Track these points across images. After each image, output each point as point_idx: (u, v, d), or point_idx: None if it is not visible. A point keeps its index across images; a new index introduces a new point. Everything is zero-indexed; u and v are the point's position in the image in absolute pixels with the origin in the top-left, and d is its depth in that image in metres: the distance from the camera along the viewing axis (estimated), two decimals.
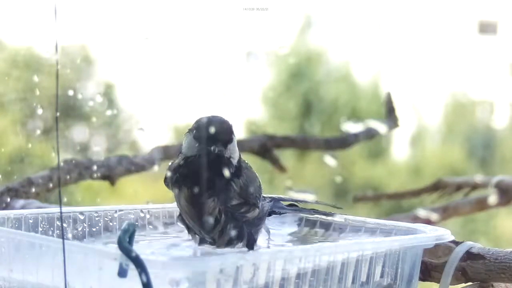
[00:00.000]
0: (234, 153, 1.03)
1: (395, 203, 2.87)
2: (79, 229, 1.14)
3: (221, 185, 1.01)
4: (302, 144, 2.24)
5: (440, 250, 1.10)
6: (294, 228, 1.20)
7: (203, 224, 1.01)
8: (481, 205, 2.10)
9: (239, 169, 1.03)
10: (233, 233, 1.01)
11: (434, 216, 2.00)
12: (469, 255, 1.10)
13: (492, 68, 8.33)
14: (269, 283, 0.92)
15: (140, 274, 0.84)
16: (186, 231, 1.05)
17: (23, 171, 1.49)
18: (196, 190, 1.00)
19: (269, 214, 1.11)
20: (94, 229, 1.15)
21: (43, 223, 1.11)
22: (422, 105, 7.98)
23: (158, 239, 1.14)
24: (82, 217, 1.14)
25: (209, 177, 1.00)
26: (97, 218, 1.16)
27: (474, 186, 2.13)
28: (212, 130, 1.00)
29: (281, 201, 1.15)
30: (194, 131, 1.03)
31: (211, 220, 1.00)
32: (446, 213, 2.06)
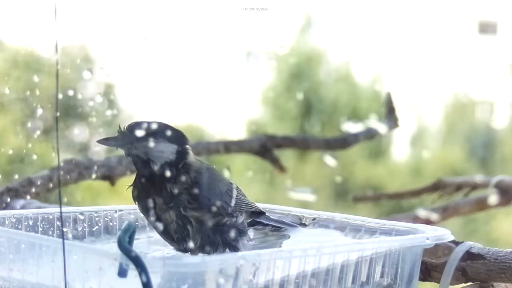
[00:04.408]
0: (157, 156, 1.03)
1: (395, 203, 2.87)
2: (79, 229, 1.14)
3: (165, 189, 1.02)
4: (302, 144, 2.24)
5: (440, 250, 1.10)
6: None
7: (169, 234, 1.02)
8: (481, 205, 2.10)
9: (178, 172, 1.03)
10: (200, 242, 1.02)
11: (434, 216, 2.00)
12: (469, 255, 1.10)
13: (492, 68, 8.33)
14: (269, 283, 0.92)
15: (140, 274, 0.84)
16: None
17: (23, 171, 1.49)
18: (150, 202, 1.03)
19: (253, 225, 1.12)
20: (94, 229, 1.15)
21: (43, 223, 1.11)
22: (422, 105, 7.98)
23: None
24: (82, 217, 1.14)
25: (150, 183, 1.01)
26: (97, 218, 1.16)
27: (474, 186, 2.13)
28: (122, 131, 1.02)
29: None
30: None
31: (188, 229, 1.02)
32: (446, 213, 2.06)
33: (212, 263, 0.87)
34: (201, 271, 0.87)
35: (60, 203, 1.00)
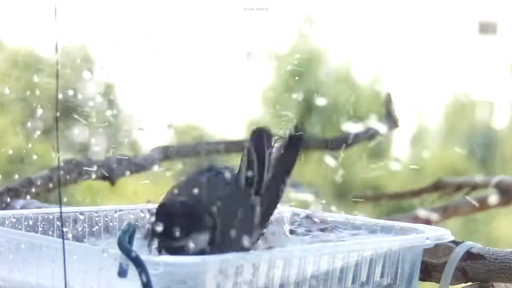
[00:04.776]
0: None
1: (395, 203, 2.86)
2: (79, 229, 1.14)
3: None
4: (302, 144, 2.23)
5: (440, 250, 1.10)
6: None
7: None
8: (481, 205, 2.10)
9: None
10: None
11: (434, 216, 2.00)
12: (469, 255, 1.10)
13: (492, 68, 8.33)
14: (269, 283, 0.92)
15: (140, 274, 0.84)
16: None
17: (23, 171, 1.49)
18: None
19: None
20: (94, 229, 1.15)
21: (43, 223, 1.11)
22: (422, 105, 7.98)
23: None
24: (82, 217, 1.14)
25: None
26: (97, 218, 1.16)
27: (474, 186, 2.12)
28: None
29: None
30: None
31: None
32: (446, 213, 2.06)
33: (212, 263, 0.87)
34: (201, 271, 0.87)
35: (60, 203, 1.00)
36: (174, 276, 0.86)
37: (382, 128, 2.19)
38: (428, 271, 1.11)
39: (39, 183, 1.49)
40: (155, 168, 1.71)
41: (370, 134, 2.21)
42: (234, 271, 0.89)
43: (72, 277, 0.90)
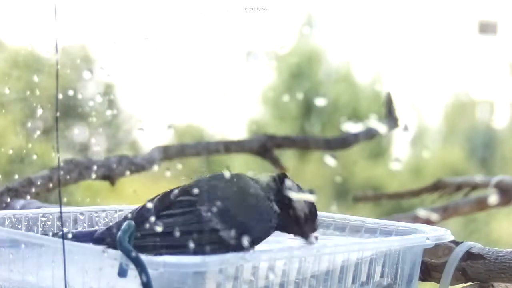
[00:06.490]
0: None
1: (395, 203, 2.86)
2: (79, 229, 1.14)
3: None
4: (302, 144, 2.24)
5: (440, 250, 1.10)
6: None
7: None
8: (481, 205, 2.10)
9: None
10: None
11: (434, 216, 2.00)
12: (469, 255, 1.10)
13: (492, 68, 8.34)
14: (269, 283, 0.92)
15: (140, 274, 0.84)
16: None
17: (23, 171, 1.49)
18: None
19: None
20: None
21: (43, 223, 1.11)
22: (422, 105, 7.98)
23: None
24: (82, 217, 1.14)
25: None
26: (97, 218, 1.16)
27: (474, 186, 2.12)
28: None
29: None
30: None
31: None
32: (446, 213, 2.06)
33: (212, 263, 0.87)
34: (201, 271, 0.87)
35: (60, 203, 1.00)
36: (174, 276, 0.86)
37: (382, 128, 2.19)
38: (428, 271, 1.11)
39: (39, 183, 1.49)
40: (155, 168, 1.71)
41: (370, 134, 2.21)
42: (234, 271, 0.89)
43: (72, 277, 0.90)
